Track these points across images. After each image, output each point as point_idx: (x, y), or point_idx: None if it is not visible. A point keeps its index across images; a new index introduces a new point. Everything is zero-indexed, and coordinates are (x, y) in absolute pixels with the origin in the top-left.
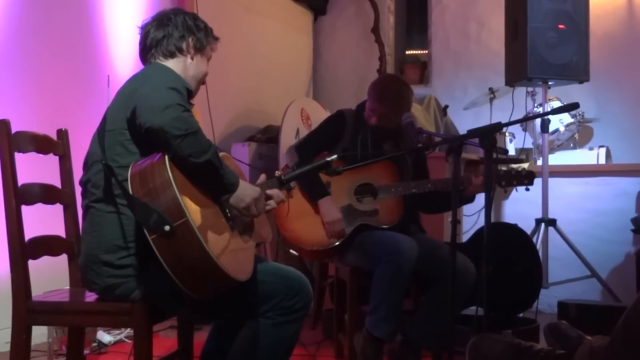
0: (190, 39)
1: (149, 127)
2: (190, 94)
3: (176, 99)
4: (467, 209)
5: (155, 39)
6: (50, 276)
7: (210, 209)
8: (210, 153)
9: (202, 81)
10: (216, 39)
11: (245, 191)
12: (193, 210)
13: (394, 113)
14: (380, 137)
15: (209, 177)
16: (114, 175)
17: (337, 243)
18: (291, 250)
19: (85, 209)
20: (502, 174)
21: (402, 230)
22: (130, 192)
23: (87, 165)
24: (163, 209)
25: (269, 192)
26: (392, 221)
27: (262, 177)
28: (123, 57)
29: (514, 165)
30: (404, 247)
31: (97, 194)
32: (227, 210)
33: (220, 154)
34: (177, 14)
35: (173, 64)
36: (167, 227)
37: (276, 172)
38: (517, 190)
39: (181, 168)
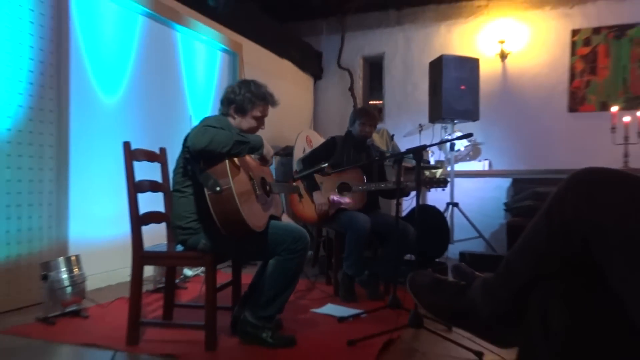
0: (232, 107)
1: (192, 148)
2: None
3: (205, 130)
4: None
5: (226, 98)
6: (155, 236)
7: (246, 184)
8: (229, 145)
9: (249, 131)
10: (264, 104)
11: (267, 148)
12: (235, 182)
13: (378, 120)
14: (359, 151)
15: (242, 151)
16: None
17: (326, 218)
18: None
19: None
20: (427, 180)
21: (365, 211)
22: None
23: (174, 170)
24: (217, 177)
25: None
26: (359, 206)
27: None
28: (200, 104)
29: (433, 171)
30: (361, 222)
31: (173, 187)
32: (255, 185)
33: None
34: (242, 87)
35: (229, 118)
36: (218, 188)
37: (294, 170)
38: (438, 190)
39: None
